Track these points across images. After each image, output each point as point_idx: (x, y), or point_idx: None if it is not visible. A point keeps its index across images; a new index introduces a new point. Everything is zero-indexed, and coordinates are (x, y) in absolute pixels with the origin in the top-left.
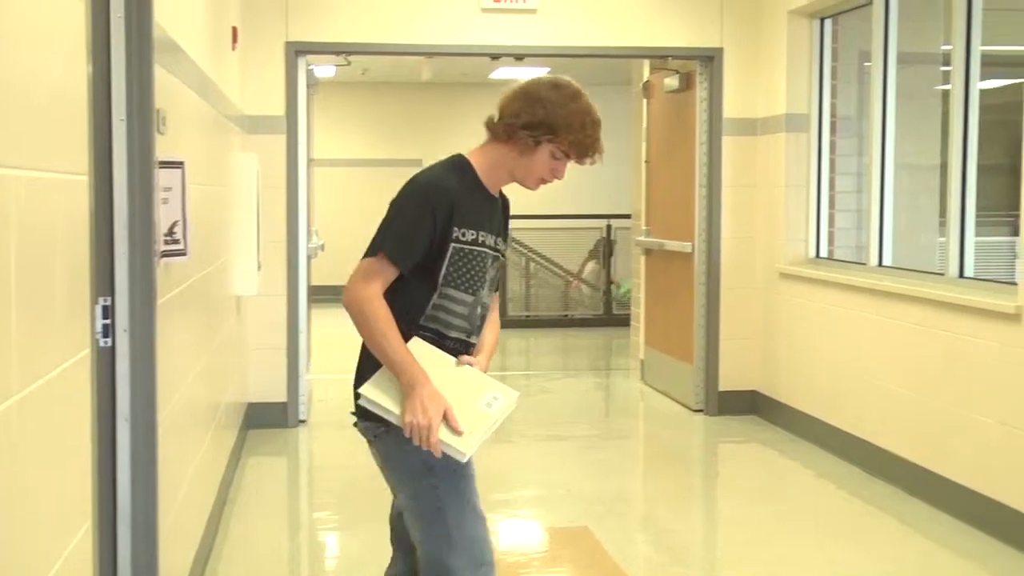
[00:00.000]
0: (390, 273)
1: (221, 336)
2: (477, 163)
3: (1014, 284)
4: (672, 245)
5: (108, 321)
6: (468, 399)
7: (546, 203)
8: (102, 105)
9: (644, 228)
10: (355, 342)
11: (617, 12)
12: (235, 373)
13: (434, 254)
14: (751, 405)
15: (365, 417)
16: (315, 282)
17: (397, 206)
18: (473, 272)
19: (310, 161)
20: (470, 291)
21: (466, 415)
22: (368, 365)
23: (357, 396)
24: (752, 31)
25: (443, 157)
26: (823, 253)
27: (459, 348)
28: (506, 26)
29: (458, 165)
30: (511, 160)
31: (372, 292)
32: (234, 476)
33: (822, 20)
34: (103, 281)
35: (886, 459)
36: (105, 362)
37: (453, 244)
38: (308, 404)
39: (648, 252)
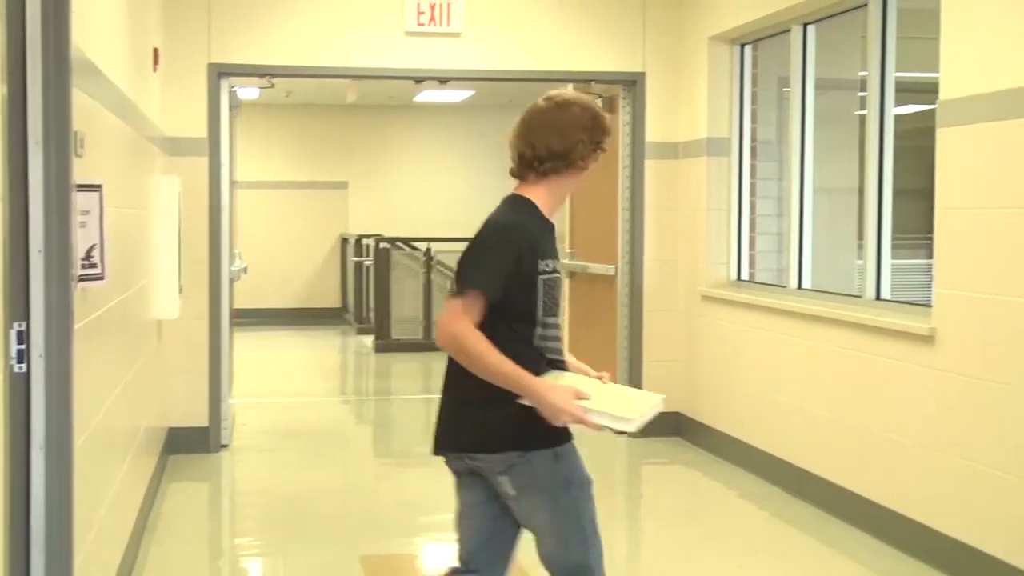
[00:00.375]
0: (479, 308)
1: (141, 360)
2: (540, 199)
3: (929, 306)
4: (595, 268)
5: (23, 346)
6: (631, 394)
7: (472, 225)
8: (18, 127)
9: (568, 251)
10: (279, 364)
11: (540, 36)
12: (156, 398)
13: (526, 292)
14: (674, 427)
15: (492, 450)
16: (238, 305)
17: (480, 245)
18: (557, 297)
19: (233, 183)
20: (557, 314)
21: (635, 399)
22: (475, 396)
23: (464, 438)
24: (674, 56)
25: (372, 179)
26: (744, 276)
27: (562, 367)
28: (430, 49)
29: (524, 204)
30: (570, 185)
31: (464, 326)
32: (154, 502)
33: (742, 46)
34: (18, 306)
35: (807, 479)
36: (19, 388)
37: (541, 277)
38: (230, 429)
39: (572, 275)
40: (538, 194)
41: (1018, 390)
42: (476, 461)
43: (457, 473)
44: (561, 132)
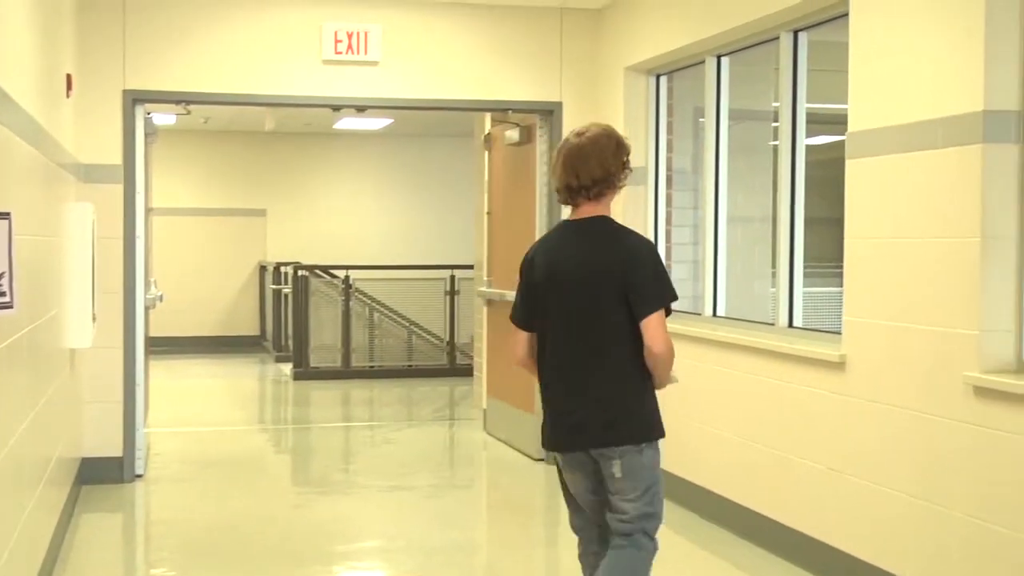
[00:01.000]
0: None
1: (52, 389)
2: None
3: (839, 333)
4: (513, 296)
5: None
6: None
7: (391, 253)
8: None
9: (486, 279)
10: (196, 393)
11: (458, 65)
12: (68, 427)
13: None
14: None
15: (619, 444)
16: (154, 333)
17: (656, 264)
18: None
19: (149, 210)
20: None
21: None
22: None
23: (607, 431)
24: (591, 86)
25: (290, 206)
26: None
27: None
28: (348, 78)
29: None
30: (611, 200)
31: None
32: (66, 533)
33: (658, 76)
34: None
35: (723, 505)
36: None
37: None
38: (145, 458)
39: (489, 303)
40: (607, 212)
41: (922, 415)
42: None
43: (571, 467)
44: (600, 162)
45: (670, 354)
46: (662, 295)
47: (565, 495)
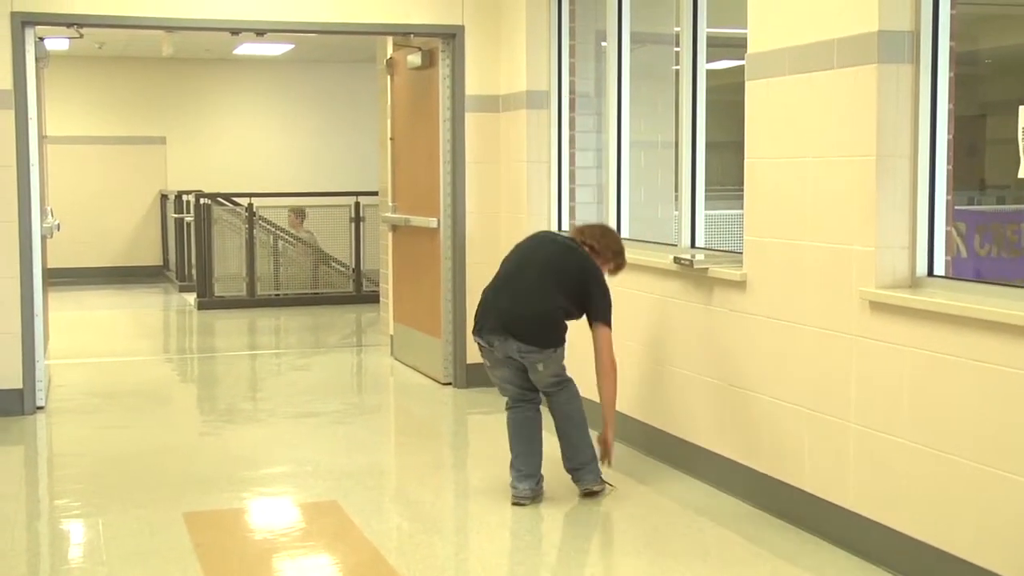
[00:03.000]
0: None
1: None
2: None
3: (740, 253)
4: (418, 221)
5: None
6: None
7: (295, 180)
8: None
9: (391, 204)
10: (98, 324)
11: None
12: None
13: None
14: None
15: (545, 349)
16: (54, 265)
17: (604, 283)
18: None
19: (43, 138)
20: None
21: None
22: (554, 336)
23: (531, 339)
24: (492, 9)
25: (191, 134)
26: (565, 227)
27: None
28: (247, 1)
29: None
30: None
31: None
32: None
33: (559, 0)
34: None
35: (633, 426)
36: None
37: None
38: (46, 390)
39: (395, 228)
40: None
41: (820, 331)
42: (534, 353)
43: (498, 360)
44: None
45: (615, 373)
46: (607, 311)
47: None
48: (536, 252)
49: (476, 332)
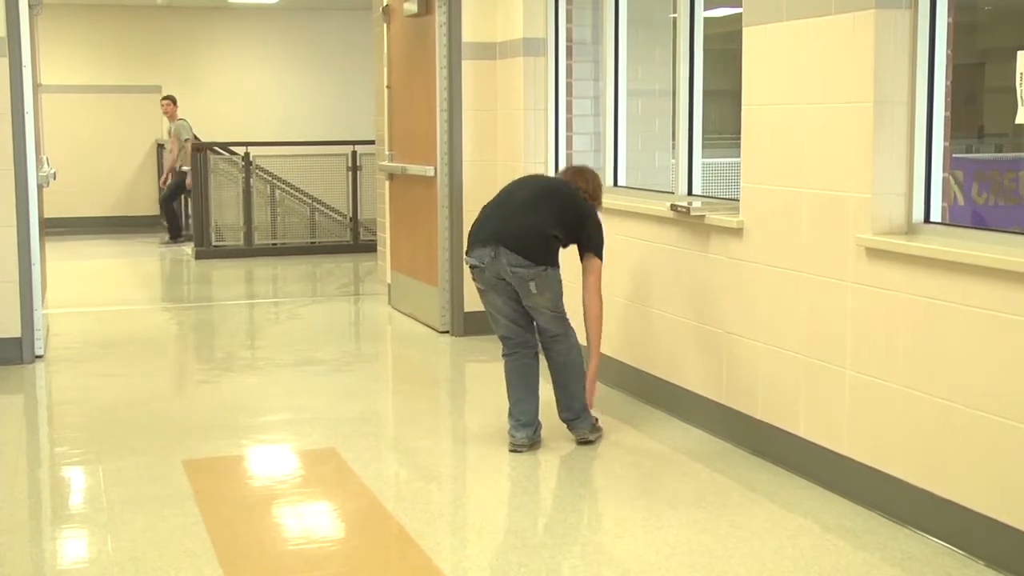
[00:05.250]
0: None
1: None
2: None
3: (737, 201)
4: (414, 169)
5: None
6: None
7: (292, 130)
8: None
9: (388, 153)
10: (96, 274)
11: None
12: None
13: None
14: None
15: (536, 265)
16: (51, 214)
17: (596, 217)
18: None
19: (37, 86)
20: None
21: None
22: (544, 252)
23: (521, 249)
24: None
25: (187, 82)
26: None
27: None
28: None
29: None
30: None
31: None
32: None
33: None
34: None
35: (628, 373)
36: None
37: None
38: (44, 339)
39: (392, 177)
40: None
41: (816, 278)
42: (524, 268)
43: (489, 283)
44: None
45: (601, 307)
46: (599, 243)
47: None
48: (527, 182)
49: (468, 252)
